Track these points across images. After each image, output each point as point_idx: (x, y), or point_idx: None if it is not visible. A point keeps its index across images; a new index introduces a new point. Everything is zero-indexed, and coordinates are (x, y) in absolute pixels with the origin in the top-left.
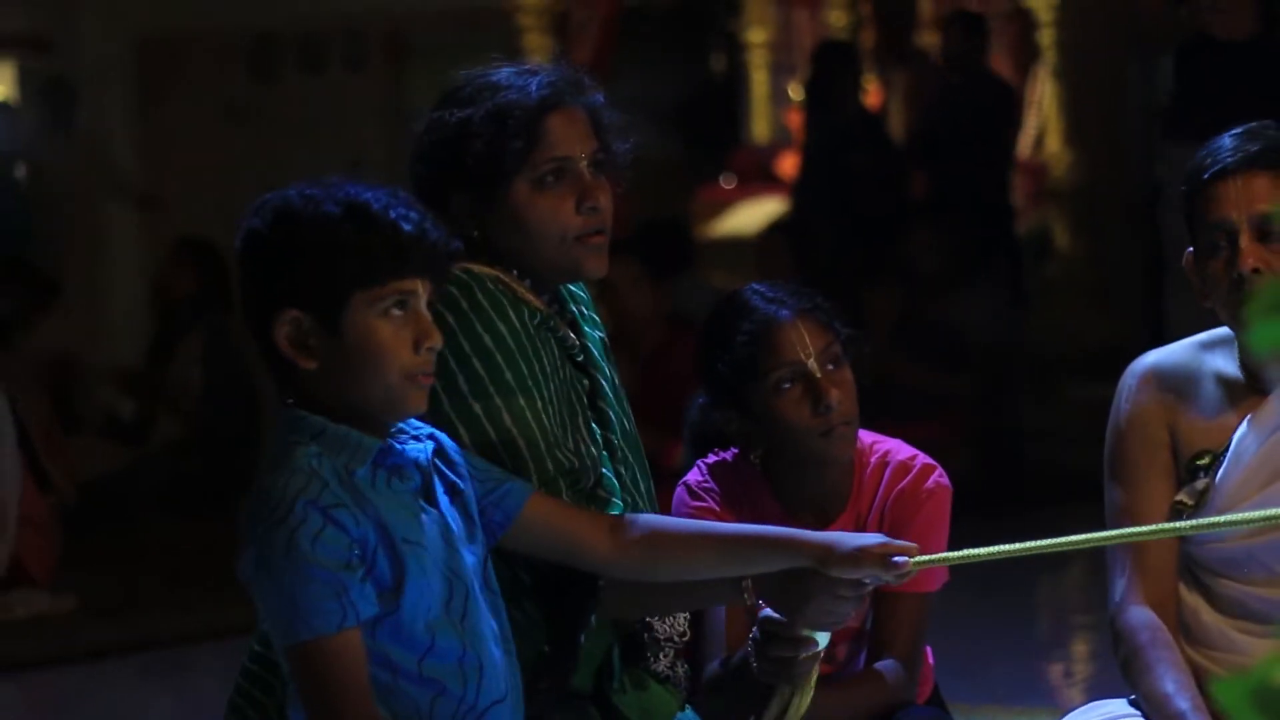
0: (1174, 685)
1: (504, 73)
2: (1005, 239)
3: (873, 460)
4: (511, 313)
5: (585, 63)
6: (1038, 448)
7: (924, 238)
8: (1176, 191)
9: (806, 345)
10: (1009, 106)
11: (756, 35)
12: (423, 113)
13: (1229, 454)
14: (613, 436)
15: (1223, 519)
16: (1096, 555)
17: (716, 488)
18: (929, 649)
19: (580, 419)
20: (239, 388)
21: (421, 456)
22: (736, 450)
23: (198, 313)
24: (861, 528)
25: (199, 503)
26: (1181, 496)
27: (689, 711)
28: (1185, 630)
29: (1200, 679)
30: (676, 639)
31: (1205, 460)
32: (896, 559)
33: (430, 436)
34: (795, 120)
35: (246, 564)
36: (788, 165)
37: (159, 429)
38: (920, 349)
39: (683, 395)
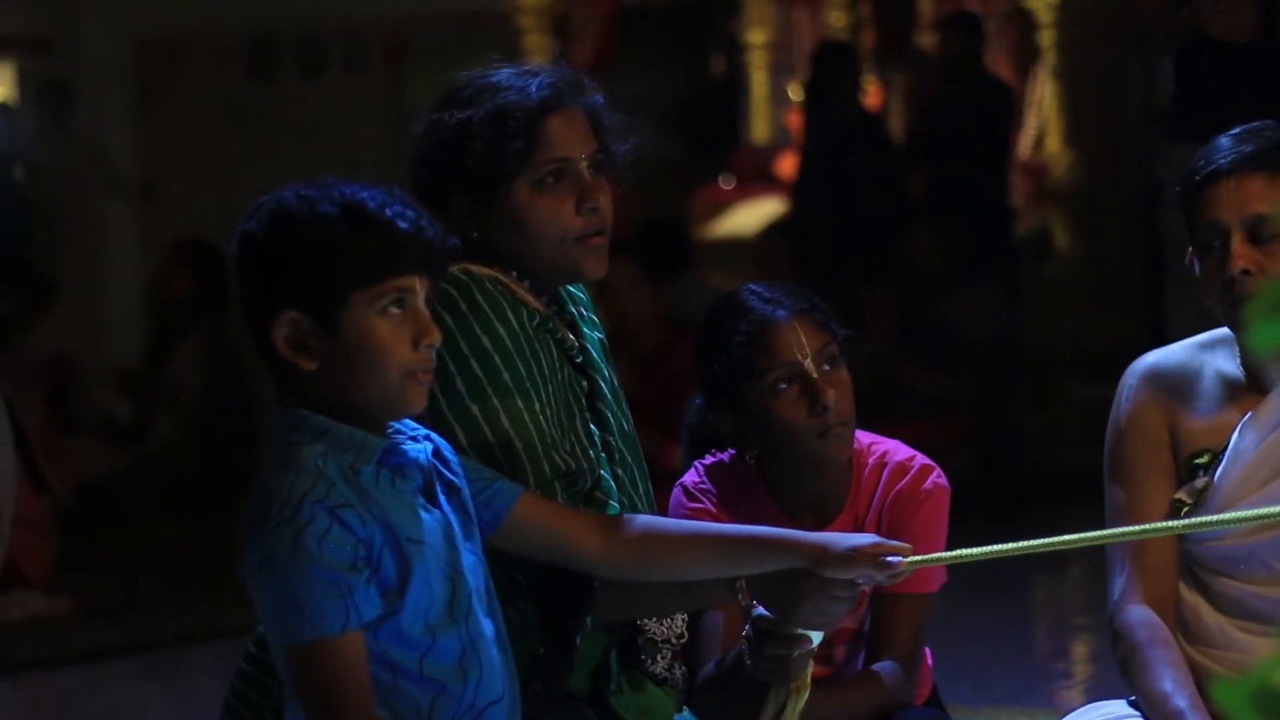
0: (1172, 683)
1: (504, 74)
2: (1005, 239)
3: (870, 461)
4: (510, 314)
5: (585, 63)
6: (1037, 448)
7: (923, 238)
8: (1176, 191)
9: (803, 345)
10: (1008, 107)
11: (756, 36)
12: (422, 114)
13: (1228, 453)
14: (611, 438)
15: (1221, 517)
16: (1096, 556)
17: (713, 489)
18: (928, 650)
19: (579, 420)
20: (237, 388)
21: (422, 456)
22: (734, 451)
23: (196, 313)
24: (859, 528)
25: (198, 503)
26: (1181, 495)
27: (686, 713)
28: (1185, 629)
29: (1200, 678)
30: (674, 641)
31: (1204, 459)
32: (890, 559)
33: (426, 438)
34: (795, 121)
35: (248, 564)
36: (787, 166)
37: (157, 429)
38: (920, 349)
39: (682, 396)
